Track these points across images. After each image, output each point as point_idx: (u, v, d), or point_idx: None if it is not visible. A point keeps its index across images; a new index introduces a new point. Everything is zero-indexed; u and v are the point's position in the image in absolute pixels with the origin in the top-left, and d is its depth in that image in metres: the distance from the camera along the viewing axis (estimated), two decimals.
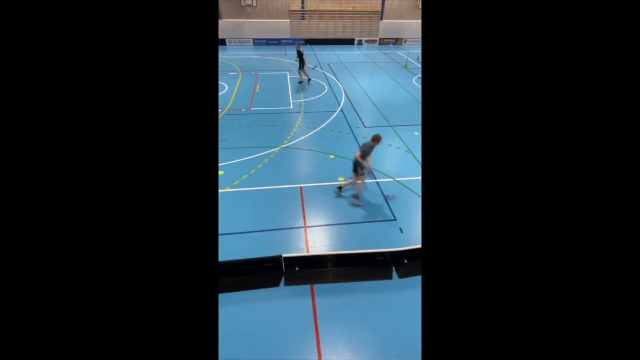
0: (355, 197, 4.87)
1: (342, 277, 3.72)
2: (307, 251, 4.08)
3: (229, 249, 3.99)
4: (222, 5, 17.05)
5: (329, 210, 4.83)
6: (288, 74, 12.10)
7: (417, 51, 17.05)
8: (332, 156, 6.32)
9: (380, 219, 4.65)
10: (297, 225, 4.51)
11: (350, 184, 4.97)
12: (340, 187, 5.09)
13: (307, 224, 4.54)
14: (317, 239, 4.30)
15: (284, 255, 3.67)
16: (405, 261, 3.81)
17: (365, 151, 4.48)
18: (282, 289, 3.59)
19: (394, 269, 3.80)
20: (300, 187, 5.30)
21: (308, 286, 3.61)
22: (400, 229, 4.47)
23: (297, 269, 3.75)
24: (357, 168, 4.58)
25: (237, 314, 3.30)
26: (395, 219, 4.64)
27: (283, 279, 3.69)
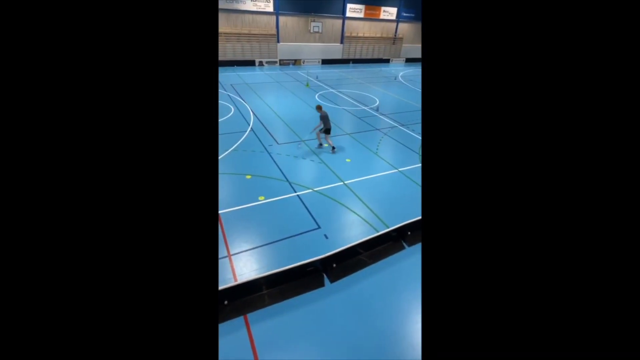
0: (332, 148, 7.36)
1: (276, 297, 3.60)
2: (235, 280, 3.81)
3: None
4: None
5: (252, 233, 4.65)
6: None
7: (315, 70, 18.58)
8: (248, 176, 6.16)
9: (305, 230, 4.74)
10: (220, 256, 4.18)
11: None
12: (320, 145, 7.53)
13: (231, 252, 4.26)
14: (244, 266, 4.06)
15: None
16: (334, 265, 3.98)
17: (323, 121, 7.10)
18: None
19: (324, 275, 3.91)
20: (219, 215, 4.95)
21: (241, 317, 3.35)
22: (325, 235, 4.66)
23: (225, 302, 3.44)
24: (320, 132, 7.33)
25: None
26: (319, 227, 4.81)
27: None
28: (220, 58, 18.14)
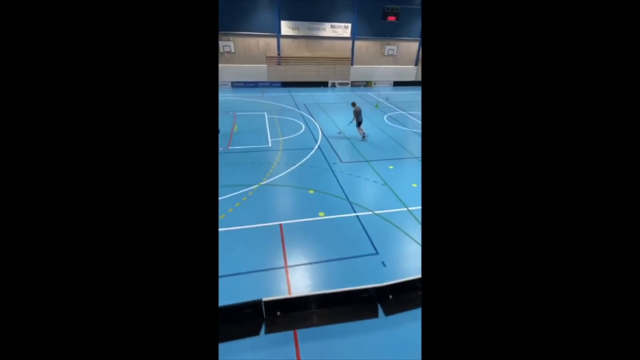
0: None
1: (326, 319, 3.52)
2: (289, 293, 3.88)
3: None
4: None
5: (310, 248, 4.72)
6: (266, 114, 12.51)
7: (386, 92, 18.53)
8: (311, 191, 6.36)
9: (362, 254, 4.60)
10: (278, 266, 4.34)
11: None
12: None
13: (288, 264, 4.38)
14: (298, 279, 4.13)
15: (264, 299, 3.46)
16: (390, 297, 3.72)
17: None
18: (263, 338, 3.31)
19: (379, 305, 3.68)
20: (280, 225, 5.20)
21: (291, 332, 3.37)
22: (382, 262, 4.43)
23: (278, 313, 3.52)
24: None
25: None
26: (377, 253, 4.61)
27: (264, 326, 3.43)
28: (297, 79, 19.70)
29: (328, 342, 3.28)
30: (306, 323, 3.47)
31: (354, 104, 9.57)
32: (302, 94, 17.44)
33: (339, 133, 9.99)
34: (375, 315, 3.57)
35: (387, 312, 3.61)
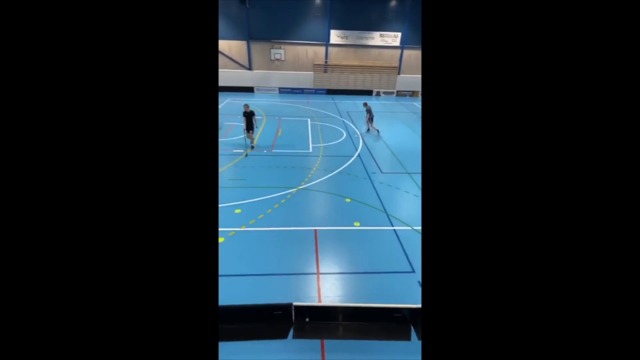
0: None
1: (355, 333, 3.42)
2: (319, 301, 3.86)
3: (237, 292, 3.85)
4: (254, 58, 19.07)
5: (343, 257, 4.66)
6: (309, 120, 12.79)
7: None
8: (348, 199, 6.30)
9: (397, 270, 4.40)
10: (310, 271, 4.35)
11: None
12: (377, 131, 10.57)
13: (320, 271, 4.37)
14: (329, 288, 4.08)
15: (295, 303, 3.48)
16: None
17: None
18: (290, 342, 3.32)
19: (412, 328, 3.46)
20: (315, 230, 5.22)
21: (318, 341, 3.33)
22: (419, 282, 4.19)
23: (307, 319, 3.51)
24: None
25: None
26: (413, 271, 4.38)
27: (292, 330, 3.44)
28: (341, 87, 19.88)
29: (357, 356, 3.17)
30: (333, 334, 3.40)
31: (365, 104, 11.16)
32: (346, 102, 17.53)
33: (367, 131, 11.25)
34: (407, 337, 3.37)
35: (421, 337, 3.38)
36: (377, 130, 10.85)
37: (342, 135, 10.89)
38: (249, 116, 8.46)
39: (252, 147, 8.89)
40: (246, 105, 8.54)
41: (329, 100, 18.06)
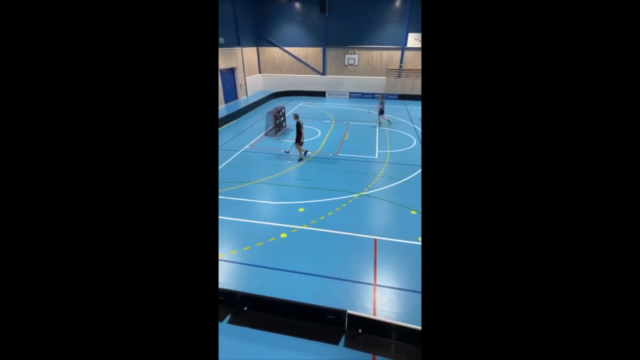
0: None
1: (407, 355, 3.17)
2: (374, 314, 3.71)
3: (294, 288, 3.98)
4: (328, 63, 19.68)
5: (403, 272, 4.39)
6: (377, 126, 12.55)
7: None
8: (414, 212, 5.93)
9: None
10: (366, 281, 4.23)
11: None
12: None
13: (377, 282, 4.20)
14: (386, 302, 3.89)
15: (349, 311, 3.43)
16: None
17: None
18: (341, 350, 3.28)
19: None
20: (375, 240, 5.06)
21: (370, 356, 3.21)
22: None
23: (360, 330, 3.41)
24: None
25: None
26: None
27: (344, 338, 3.39)
28: (415, 93, 18.88)
29: None
30: (385, 352, 3.22)
31: (381, 96, 12.49)
32: (418, 107, 16.58)
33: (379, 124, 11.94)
34: None
35: None
36: (388, 121, 11.51)
37: (413, 142, 10.33)
38: (298, 127, 8.01)
39: (301, 159, 8.41)
40: (296, 115, 8.17)
41: (400, 105, 17.38)
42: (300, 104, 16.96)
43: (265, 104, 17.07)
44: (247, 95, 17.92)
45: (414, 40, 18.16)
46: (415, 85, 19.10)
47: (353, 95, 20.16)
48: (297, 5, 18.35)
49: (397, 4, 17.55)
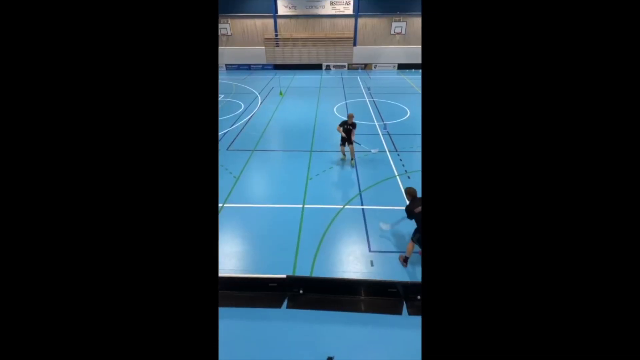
0: None
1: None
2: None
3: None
4: None
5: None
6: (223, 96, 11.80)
7: (381, 76, 18.10)
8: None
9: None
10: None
11: None
12: None
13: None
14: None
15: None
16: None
17: None
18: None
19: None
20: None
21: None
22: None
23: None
24: None
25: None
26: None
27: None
28: (294, 62, 18.84)
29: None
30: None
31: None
32: (285, 77, 16.59)
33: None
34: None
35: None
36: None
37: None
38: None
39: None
40: (350, 116, 6.31)
41: (270, 75, 16.99)
42: None
43: None
44: None
45: (284, 7, 17.64)
46: (294, 55, 19.00)
47: (230, 68, 18.31)
48: None
49: None
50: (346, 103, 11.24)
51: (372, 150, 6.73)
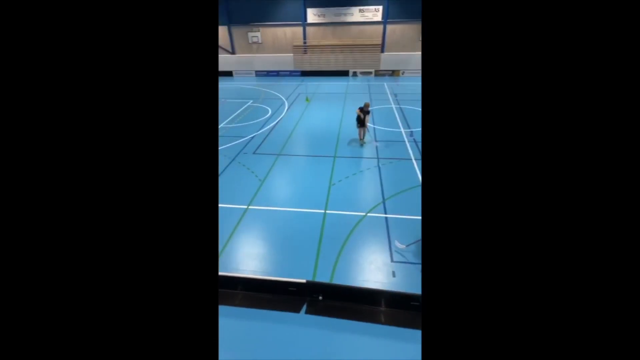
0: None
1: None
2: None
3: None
4: (236, 43, 17.66)
5: None
6: (251, 102, 11.99)
7: (409, 83, 17.78)
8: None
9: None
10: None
11: None
12: None
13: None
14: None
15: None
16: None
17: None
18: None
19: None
20: None
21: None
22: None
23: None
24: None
25: None
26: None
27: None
28: (321, 69, 19.07)
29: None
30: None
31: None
32: (312, 83, 16.77)
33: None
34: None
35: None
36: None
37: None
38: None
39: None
40: (367, 104, 7.70)
41: (298, 82, 17.26)
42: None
43: None
44: None
45: (313, 15, 18.00)
46: (321, 62, 19.25)
47: (259, 74, 18.90)
48: None
49: None
50: (372, 110, 11.15)
51: (375, 142, 7.91)
